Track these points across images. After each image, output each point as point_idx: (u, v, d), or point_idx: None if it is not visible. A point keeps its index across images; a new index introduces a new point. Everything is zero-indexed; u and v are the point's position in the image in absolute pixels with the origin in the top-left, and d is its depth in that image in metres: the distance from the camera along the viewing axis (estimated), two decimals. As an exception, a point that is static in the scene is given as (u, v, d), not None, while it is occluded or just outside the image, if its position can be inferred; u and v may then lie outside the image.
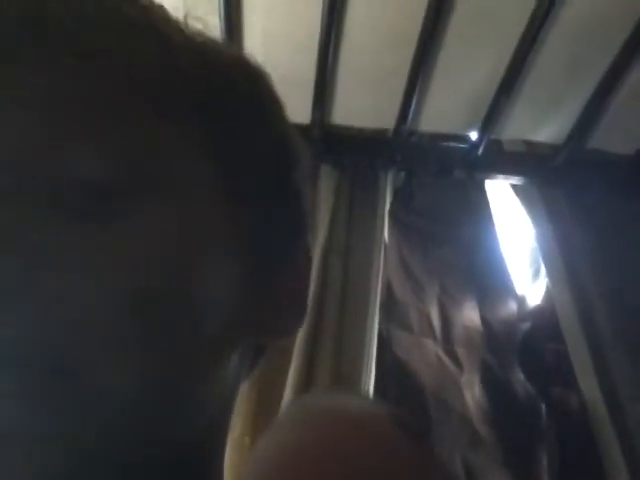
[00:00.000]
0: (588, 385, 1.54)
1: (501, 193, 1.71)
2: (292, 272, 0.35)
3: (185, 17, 0.33)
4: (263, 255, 0.33)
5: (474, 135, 1.58)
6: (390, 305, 1.51)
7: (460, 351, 1.53)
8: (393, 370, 1.48)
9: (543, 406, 1.60)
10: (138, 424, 0.27)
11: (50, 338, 0.25)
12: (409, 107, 1.47)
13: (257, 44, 1.33)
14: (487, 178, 1.65)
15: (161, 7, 0.31)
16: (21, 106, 0.26)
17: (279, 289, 0.34)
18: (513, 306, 1.61)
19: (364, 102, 1.49)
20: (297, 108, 1.41)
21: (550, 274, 1.62)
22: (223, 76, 0.33)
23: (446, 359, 1.52)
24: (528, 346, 1.60)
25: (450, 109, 1.52)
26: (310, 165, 0.38)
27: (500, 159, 1.61)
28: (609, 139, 1.62)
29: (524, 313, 1.66)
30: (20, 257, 0.25)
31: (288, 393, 1.30)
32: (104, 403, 0.26)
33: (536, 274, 1.72)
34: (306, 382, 1.33)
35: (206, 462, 0.33)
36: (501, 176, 1.64)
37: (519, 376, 1.58)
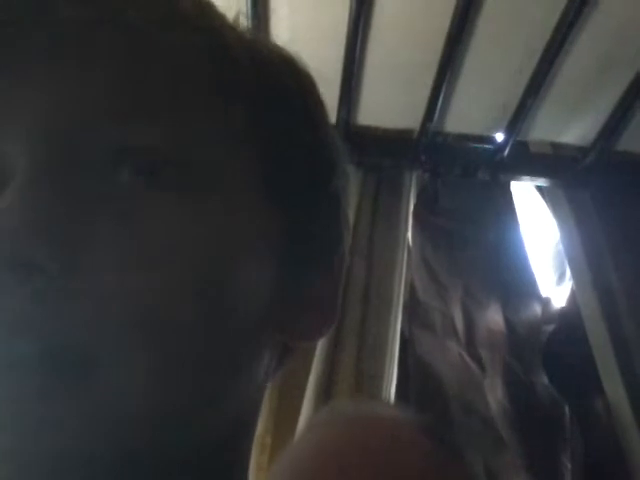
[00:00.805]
0: (613, 389, 1.52)
1: (527, 195, 1.69)
2: (326, 277, 0.35)
3: (237, 15, 0.34)
4: (299, 257, 0.33)
5: (500, 136, 1.56)
6: (413, 306, 1.51)
7: (483, 353, 1.51)
8: (415, 371, 1.47)
9: (567, 410, 1.58)
10: (164, 422, 0.27)
11: (76, 328, 0.25)
12: (435, 107, 1.46)
13: (284, 41, 1.33)
14: (512, 180, 1.64)
15: (211, 4, 0.32)
16: (95, 79, 0.28)
17: (312, 293, 0.34)
18: (537, 309, 1.60)
19: (389, 101, 1.48)
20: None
21: (575, 277, 1.60)
22: (271, 74, 0.33)
23: (469, 361, 1.50)
24: (552, 349, 1.59)
25: (476, 110, 1.51)
26: (348, 172, 0.38)
27: (526, 161, 1.60)
28: (638, 141, 1.60)
29: (549, 316, 1.64)
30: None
31: (310, 393, 1.31)
32: (131, 400, 0.26)
33: (561, 277, 1.70)
34: (328, 382, 1.33)
35: (233, 462, 0.33)
36: (527, 178, 1.63)
37: (543, 379, 1.56)
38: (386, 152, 1.53)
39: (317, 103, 0.36)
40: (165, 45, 0.29)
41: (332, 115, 1.46)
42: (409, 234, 1.52)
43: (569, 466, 1.57)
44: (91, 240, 0.26)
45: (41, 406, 0.24)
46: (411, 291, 1.51)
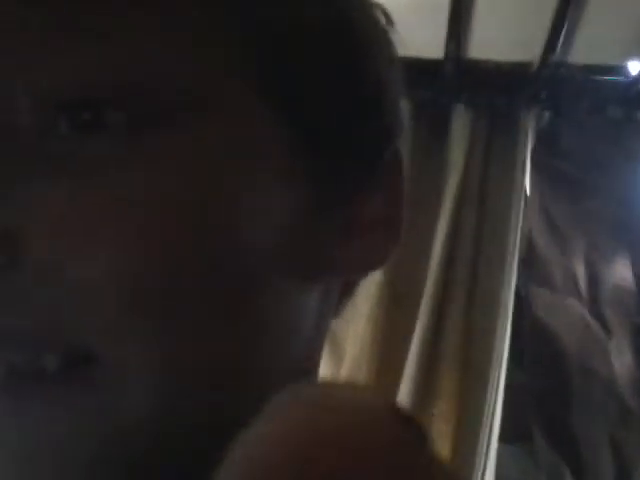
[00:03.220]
0: None
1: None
2: (376, 192, 0.28)
3: None
4: (335, 176, 0.27)
5: (634, 67, 1.40)
6: (530, 261, 1.43)
7: (609, 313, 1.42)
8: (531, 332, 1.41)
9: None
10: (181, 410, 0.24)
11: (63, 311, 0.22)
12: (558, 34, 1.32)
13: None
14: (648, 117, 1.48)
15: None
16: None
17: (361, 215, 0.28)
18: (673, 265, 1.46)
19: (504, 32, 1.36)
20: (429, 40, 1.31)
21: None
22: None
23: (593, 321, 1.42)
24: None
25: (606, 36, 1.35)
26: (392, 46, 0.30)
27: (665, 95, 1.44)
28: None
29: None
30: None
31: (415, 347, 1.29)
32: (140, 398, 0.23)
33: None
34: (435, 336, 1.31)
35: None
36: (665, 115, 1.47)
37: (678, 344, 1.44)
38: (501, 88, 1.42)
39: None
40: None
41: (440, 49, 1.37)
42: (526, 180, 1.43)
43: None
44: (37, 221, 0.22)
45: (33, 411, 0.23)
46: (528, 244, 1.43)
